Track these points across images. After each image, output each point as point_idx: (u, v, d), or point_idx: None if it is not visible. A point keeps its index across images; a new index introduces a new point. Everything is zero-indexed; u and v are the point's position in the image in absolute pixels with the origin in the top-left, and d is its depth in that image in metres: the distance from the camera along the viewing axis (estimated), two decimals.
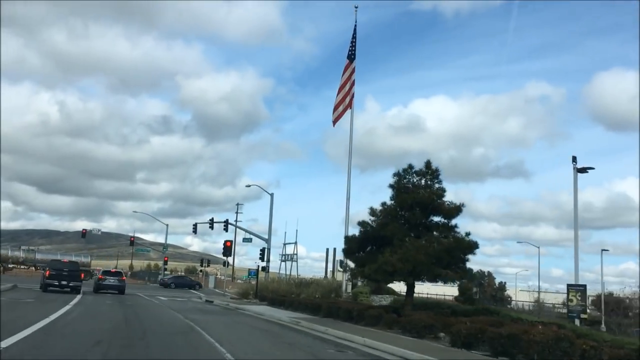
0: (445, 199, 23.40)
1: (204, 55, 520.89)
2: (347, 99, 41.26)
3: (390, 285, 52.20)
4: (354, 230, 26.35)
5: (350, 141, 41.13)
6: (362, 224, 23.69)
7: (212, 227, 61.77)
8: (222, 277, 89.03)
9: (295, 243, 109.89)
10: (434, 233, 23.27)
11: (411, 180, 23.79)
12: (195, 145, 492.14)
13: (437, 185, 23.69)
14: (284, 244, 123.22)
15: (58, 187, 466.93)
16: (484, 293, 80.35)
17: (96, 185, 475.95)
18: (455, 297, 56.91)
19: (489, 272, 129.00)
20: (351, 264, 25.37)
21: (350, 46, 41.26)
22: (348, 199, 38.57)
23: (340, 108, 41.85)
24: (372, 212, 23.58)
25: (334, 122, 41.56)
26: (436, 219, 23.68)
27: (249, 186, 56.49)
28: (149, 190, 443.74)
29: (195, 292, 58.82)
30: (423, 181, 23.76)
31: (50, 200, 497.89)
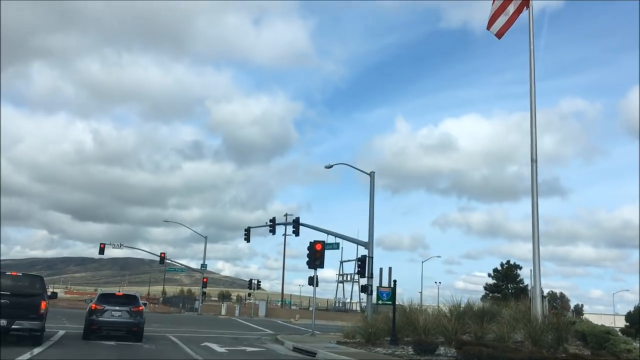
0: None
1: (233, 80, 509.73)
2: None
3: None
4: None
5: (530, 57, 22.54)
6: None
7: (273, 231, 41.81)
8: (260, 303, 68.62)
9: (356, 260, 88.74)
10: None
11: None
12: (226, 170, 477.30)
13: None
14: (341, 262, 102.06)
15: (92, 215, 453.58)
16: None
17: (129, 212, 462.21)
18: None
19: (561, 293, 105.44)
20: None
21: None
22: (534, 155, 19.14)
23: (510, 8, 22.75)
24: None
25: (500, 33, 22.44)
26: None
27: (330, 166, 36.29)
28: (180, 216, 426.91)
29: (257, 326, 38.15)
30: None
31: (84, 228, 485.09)
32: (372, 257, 32.07)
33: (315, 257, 26.25)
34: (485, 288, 44.14)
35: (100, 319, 18.49)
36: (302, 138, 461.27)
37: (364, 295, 39.82)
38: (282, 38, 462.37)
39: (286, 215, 67.38)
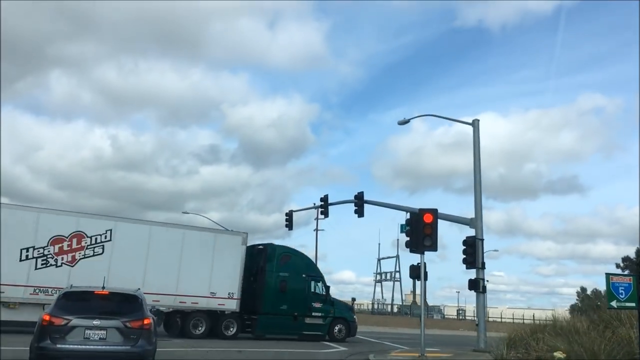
0: None
1: (249, 83, 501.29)
2: None
3: None
4: None
5: None
6: None
7: (325, 213, 31.81)
8: None
9: (397, 257, 78.31)
10: None
11: None
12: (243, 173, 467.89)
13: None
14: (378, 260, 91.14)
15: None
16: None
17: (148, 216, 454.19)
18: None
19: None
20: None
21: None
22: None
23: None
24: None
25: None
26: None
27: (406, 121, 26.22)
28: (198, 220, 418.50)
29: (334, 344, 26.09)
30: None
31: None
32: (482, 240, 21.90)
33: (425, 234, 16.15)
34: None
35: (59, 345, 8.49)
36: (318, 140, 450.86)
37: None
38: (297, 40, 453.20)
39: (314, 204, 57.28)
